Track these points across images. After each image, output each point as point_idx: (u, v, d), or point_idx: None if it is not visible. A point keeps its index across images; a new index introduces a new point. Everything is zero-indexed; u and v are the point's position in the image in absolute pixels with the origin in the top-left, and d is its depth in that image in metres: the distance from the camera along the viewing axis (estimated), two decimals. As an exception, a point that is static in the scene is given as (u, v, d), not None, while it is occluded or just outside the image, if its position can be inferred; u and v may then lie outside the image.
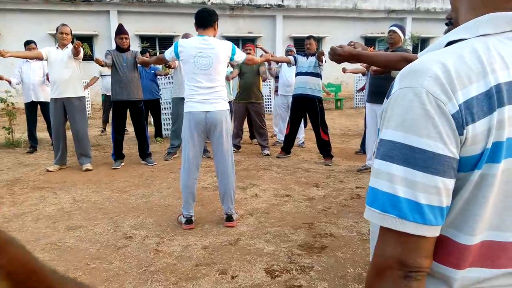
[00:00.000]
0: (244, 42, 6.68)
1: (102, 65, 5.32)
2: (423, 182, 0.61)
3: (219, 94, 3.38)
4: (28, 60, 6.48)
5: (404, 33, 4.92)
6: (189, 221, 3.44)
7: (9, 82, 6.65)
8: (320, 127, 5.79)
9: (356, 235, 3.25)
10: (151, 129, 7.94)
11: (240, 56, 3.58)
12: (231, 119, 7.76)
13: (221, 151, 3.43)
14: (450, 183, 0.62)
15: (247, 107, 6.42)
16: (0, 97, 7.14)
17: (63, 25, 5.32)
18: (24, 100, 6.71)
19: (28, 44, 6.65)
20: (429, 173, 0.61)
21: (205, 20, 3.36)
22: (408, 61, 1.76)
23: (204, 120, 3.34)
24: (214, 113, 3.34)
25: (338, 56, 1.77)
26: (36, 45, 6.66)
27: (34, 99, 6.60)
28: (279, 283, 2.53)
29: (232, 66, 6.37)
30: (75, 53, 5.12)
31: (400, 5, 16.59)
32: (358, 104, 13.54)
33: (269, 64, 7.06)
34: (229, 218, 3.47)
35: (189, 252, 2.97)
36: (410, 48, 15.07)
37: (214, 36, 3.44)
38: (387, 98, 0.70)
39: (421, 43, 16.59)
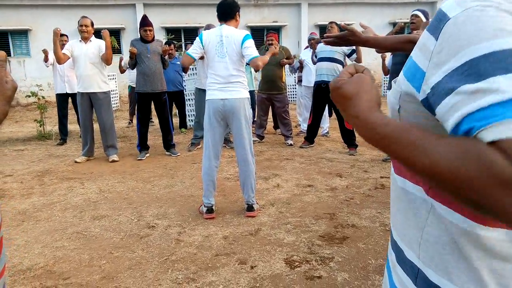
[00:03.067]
0: (269, 31, 6.58)
1: (134, 53, 5.32)
2: None
3: (237, 82, 3.40)
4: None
5: (427, 18, 4.75)
6: (209, 210, 3.47)
7: (46, 60, 6.81)
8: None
9: (379, 226, 3.18)
10: (176, 120, 8.04)
11: (249, 51, 3.35)
12: (254, 109, 7.83)
13: (240, 138, 3.44)
14: None
15: (270, 98, 6.38)
16: (32, 91, 7.39)
17: (83, 17, 5.37)
18: (57, 91, 6.89)
19: (60, 37, 6.83)
20: None
21: (226, 12, 3.41)
22: (415, 42, 1.62)
23: (222, 107, 3.38)
24: (232, 100, 3.36)
25: (346, 41, 1.69)
26: (67, 38, 6.81)
27: (68, 91, 6.77)
28: (298, 273, 2.51)
29: None
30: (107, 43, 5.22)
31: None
32: (386, 92, 13.23)
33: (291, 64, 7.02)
34: (250, 208, 3.47)
35: (209, 241, 2.99)
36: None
37: (236, 27, 3.45)
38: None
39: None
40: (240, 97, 3.39)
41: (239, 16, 3.48)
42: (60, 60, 5.32)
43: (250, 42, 3.37)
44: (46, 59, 6.82)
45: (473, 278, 0.60)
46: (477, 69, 0.51)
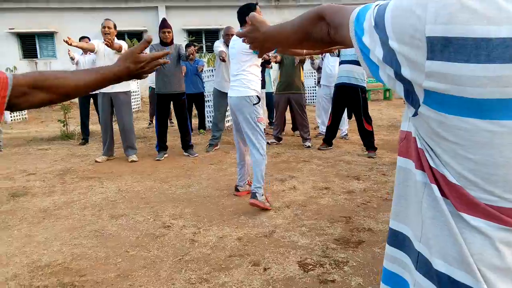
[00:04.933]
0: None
1: None
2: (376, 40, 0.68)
3: (243, 81, 3.69)
4: (83, 53, 6.85)
5: None
6: (236, 189, 4.13)
7: (72, 58, 7.02)
8: (362, 117, 5.63)
9: (396, 230, 3.11)
10: (195, 122, 8.11)
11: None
12: (272, 110, 7.82)
13: (245, 134, 3.75)
14: None
15: (288, 98, 6.36)
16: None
17: (107, 19, 5.48)
18: None
19: (82, 38, 7.10)
20: None
21: (239, 18, 3.77)
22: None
23: (230, 104, 3.85)
24: (234, 98, 3.74)
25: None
26: (89, 40, 7.00)
27: (90, 92, 6.92)
28: (311, 276, 2.49)
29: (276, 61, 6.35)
30: (116, 49, 5.28)
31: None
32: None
33: (311, 59, 6.96)
34: (253, 196, 3.57)
35: (223, 242, 3.00)
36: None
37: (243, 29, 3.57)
38: None
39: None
40: (241, 95, 3.69)
41: None
42: (88, 49, 5.62)
43: None
44: (73, 58, 7.02)
45: (465, 261, 0.63)
46: None
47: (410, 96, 0.65)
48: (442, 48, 0.56)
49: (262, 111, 3.85)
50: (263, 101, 7.43)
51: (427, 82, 0.59)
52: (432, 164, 0.66)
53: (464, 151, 0.60)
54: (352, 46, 0.74)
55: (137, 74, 1.13)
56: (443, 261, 0.65)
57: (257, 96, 3.71)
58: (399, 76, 0.64)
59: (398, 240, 0.79)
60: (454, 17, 0.54)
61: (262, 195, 3.61)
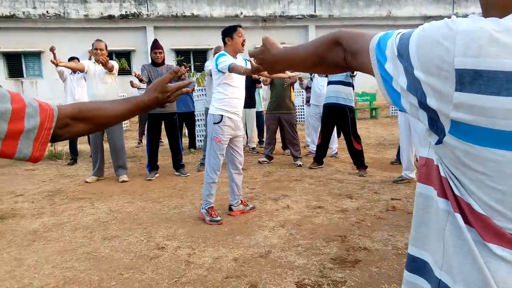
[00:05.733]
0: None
1: (140, 80, 5.46)
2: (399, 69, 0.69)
3: (212, 99, 3.93)
4: (73, 73, 6.81)
5: None
6: (229, 208, 4.18)
7: (60, 73, 6.90)
8: (351, 136, 5.71)
9: (392, 249, 3.13)
10: (185, 141, 8.08)
11: (222, 64, 3.73)
12: (261, 129, 7.87)
13: None
14: None
15: (279, 118, 6.41)
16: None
17: (98, 40, 5.51)
18: None
19: (72, 59, 7.06)
20: None
21: (223, 37, 3.90)
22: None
23: None
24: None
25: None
26: (79, 61, 6.98)
27: None
28: (310, 297, 2.47)
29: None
30: (107, 69, 5.29)
31: (437, 10, 16.19)
32: (394, 112, 13.23)
33: (300, 80, 7.07)
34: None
35: (219, 263, 2.97)
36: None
37: (229, 50, 3.86)
38: None
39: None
40: (209, 112, 3.95)
41: (229, 39, 3.84)
42: (76, 68, 5.62)
43: (222, 60, 3.75)
44: (60, 72, 6.91)
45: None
46: None
47: (435, 124, 0.65)
48: (471, 80, 0.57)
49: (231, 130, 3.90)
50: (253, 120, 7.48)
51: (454, 113, 0.60)
52: (456, 193, 0.66)
53: (492, 182, 0.60)
54: (370, 73, 0.76)
55: (163, 103, 1.18)
56: None
57: (221, 115, 3.80)
58: (423, 105, 0.65)
59: (418, 266, 0.79)
60: (484, 51, 0.55)
61: (204, 208, 3.92)
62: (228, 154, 4.05)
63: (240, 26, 3.87)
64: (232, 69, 3.64)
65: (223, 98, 3.83)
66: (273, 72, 1.16)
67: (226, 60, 3.71)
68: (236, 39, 3.79)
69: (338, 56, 0.85)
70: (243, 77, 3.93)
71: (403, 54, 0.65)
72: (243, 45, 3.83)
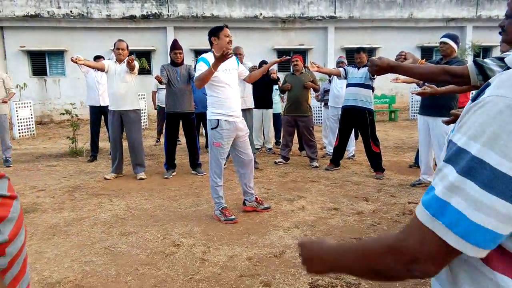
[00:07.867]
0: (295, 54, 6.68)
1: (160, 82, 5.52)
2: (502, 212, 0.56)
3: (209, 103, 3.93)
4: (95, 70, 6.98)
5: (457, 43, 4.61)
6: (243, 202, 4.25)
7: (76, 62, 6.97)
8: (370, 139, 5.66)
9: (407, 253, 3.10)
10: (202, 140, 8.15)
11: (197, 69, 3.76)
12: (279, 130, 7.87)
13: None
14: None
15: (295, 119, 6.41)
16: (66, 109, 7.69)
17: (120, 40, 5.62)
18: (90, 103, 7.19)
19: (97, 58, 7.30)
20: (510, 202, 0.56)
21: (209, 37, 3.88)
22: (451, 74, 1.54)
23: None
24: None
25: (375, 67, 1.73)
26: (104, 59, 7.14)
27: (101, 104, 7.03)
28: (323, 298, 2.47)
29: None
30: (130, 68, 5.39)
31: (460, 13, 15.85)
32: (414, 116, 13.03)
33: (315, 91, 7.05)
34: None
35: (234, 262, 2.99)
36: (470, 58, 14.33)
37: (216, 49, 3.80)
38: (472, 101, 0.64)
39: (482, 52, 15.72)
40: (207, 117, 3.93)
41: (216, 39, 3.82)
42: (96, 67, 5.73)
43: (198, 65, 3.78)
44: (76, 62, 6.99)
45: None
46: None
47: None
48: None
49: (235, 133, 3.92)
50: (270, 121, 7.49)
51: None
52: None
53: None
54: None
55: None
56: None
57: (217, 120, 3.78)
58: None
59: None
60: None
61: (217, 210, 3.95)
62: (233, 155, 4.07)
63: (226, 26, 3.88)
64: (198, 80, 3.69)
65: (216, 101, 3.82)
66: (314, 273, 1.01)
67: (197, 71, 3.74)
68: (222, 38, 3.79)
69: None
70: (233, 74, 3.91)
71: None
72: (229, 44, 3.80)
